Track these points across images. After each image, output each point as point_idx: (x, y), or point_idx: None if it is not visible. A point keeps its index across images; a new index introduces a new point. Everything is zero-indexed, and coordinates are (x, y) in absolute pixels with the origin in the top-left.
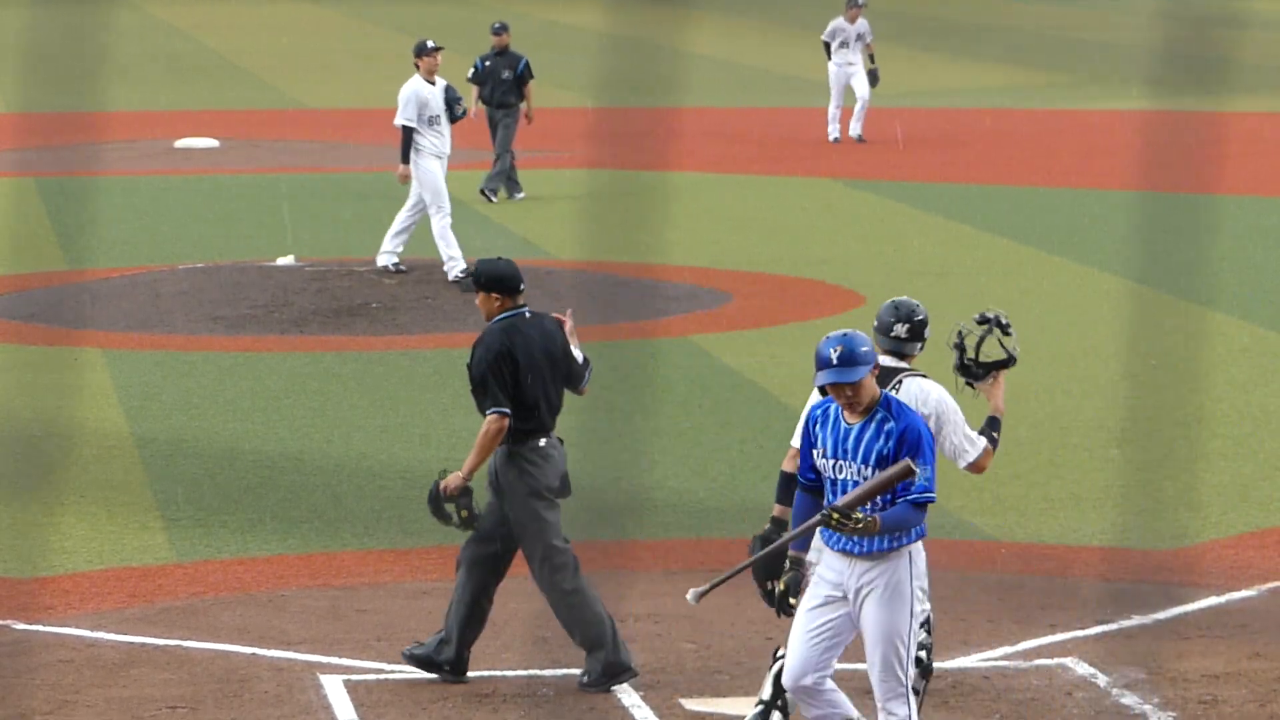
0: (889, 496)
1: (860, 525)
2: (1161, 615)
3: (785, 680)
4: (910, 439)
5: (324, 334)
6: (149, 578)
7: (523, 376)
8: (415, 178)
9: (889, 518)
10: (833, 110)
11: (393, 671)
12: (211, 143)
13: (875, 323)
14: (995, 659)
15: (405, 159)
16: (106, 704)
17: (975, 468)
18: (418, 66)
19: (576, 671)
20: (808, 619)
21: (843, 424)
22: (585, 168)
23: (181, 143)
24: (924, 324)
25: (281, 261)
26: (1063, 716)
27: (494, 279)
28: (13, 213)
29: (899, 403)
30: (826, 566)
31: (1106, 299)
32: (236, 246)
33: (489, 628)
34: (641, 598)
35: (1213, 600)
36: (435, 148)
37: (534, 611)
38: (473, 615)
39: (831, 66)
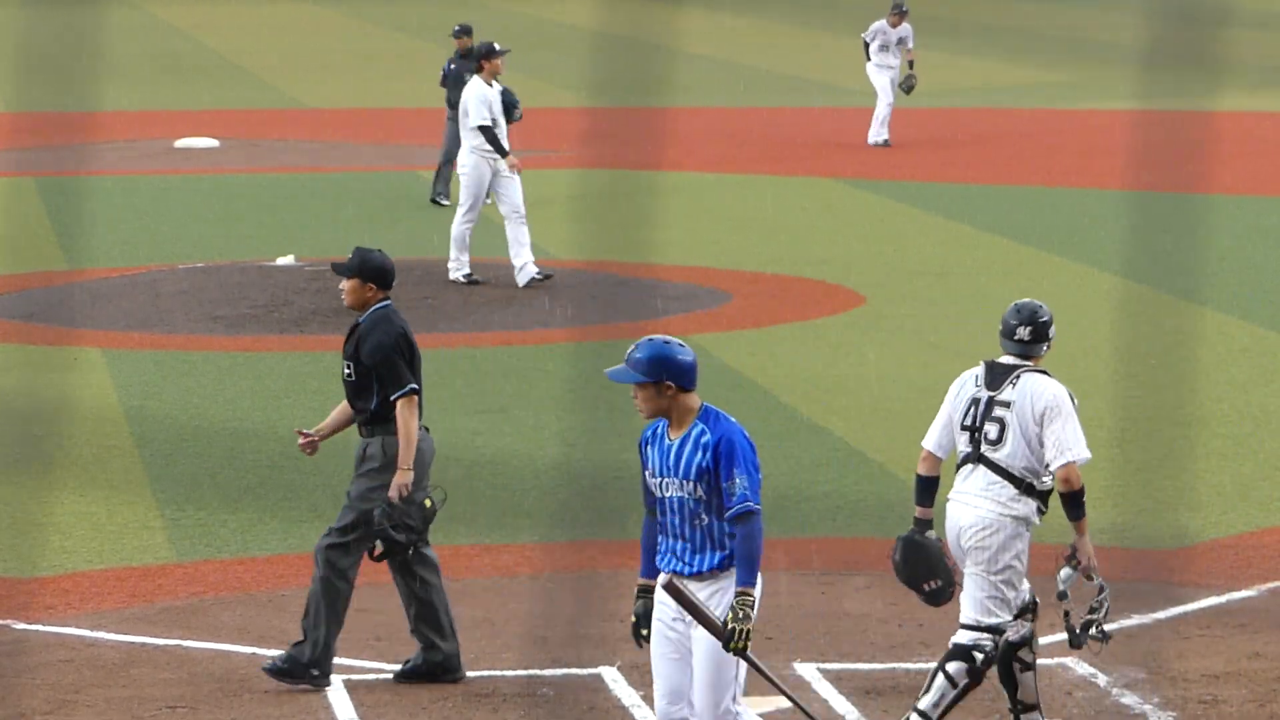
0: (729, 528)
1: (746, 620)
2: (1161, 615)
3: (657, 706)
4: (724, 450)
5: (324, 334)
6: (149, 577)
7: (416, 361)
8: (462, 173)
9: (744, 567)
10: (881, 109)
11: (393, 671)
12: (211, 142)
13: (1000, 326)
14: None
15: (503, 152)
16: (106, 704)
17: (1067, 472)
18: (481, 69)
19: (579, 671)
20: (660, 644)
21: (665, 440)
22: (584, 168)
23: (181, 142)
24: (1047, 325)
25: (281, 261)
26: (1063, 716)
27: (378, 271)
28: (12, 212)
29: (718, 415)
30: (664, 590)
31: (1106, 299)
32: (236, 246)
33: (488, 627)
34: None
35: (1213, 600)
36: (491, 149)
37: (534, 612)
38: (426, 610)
39: (870, 68)
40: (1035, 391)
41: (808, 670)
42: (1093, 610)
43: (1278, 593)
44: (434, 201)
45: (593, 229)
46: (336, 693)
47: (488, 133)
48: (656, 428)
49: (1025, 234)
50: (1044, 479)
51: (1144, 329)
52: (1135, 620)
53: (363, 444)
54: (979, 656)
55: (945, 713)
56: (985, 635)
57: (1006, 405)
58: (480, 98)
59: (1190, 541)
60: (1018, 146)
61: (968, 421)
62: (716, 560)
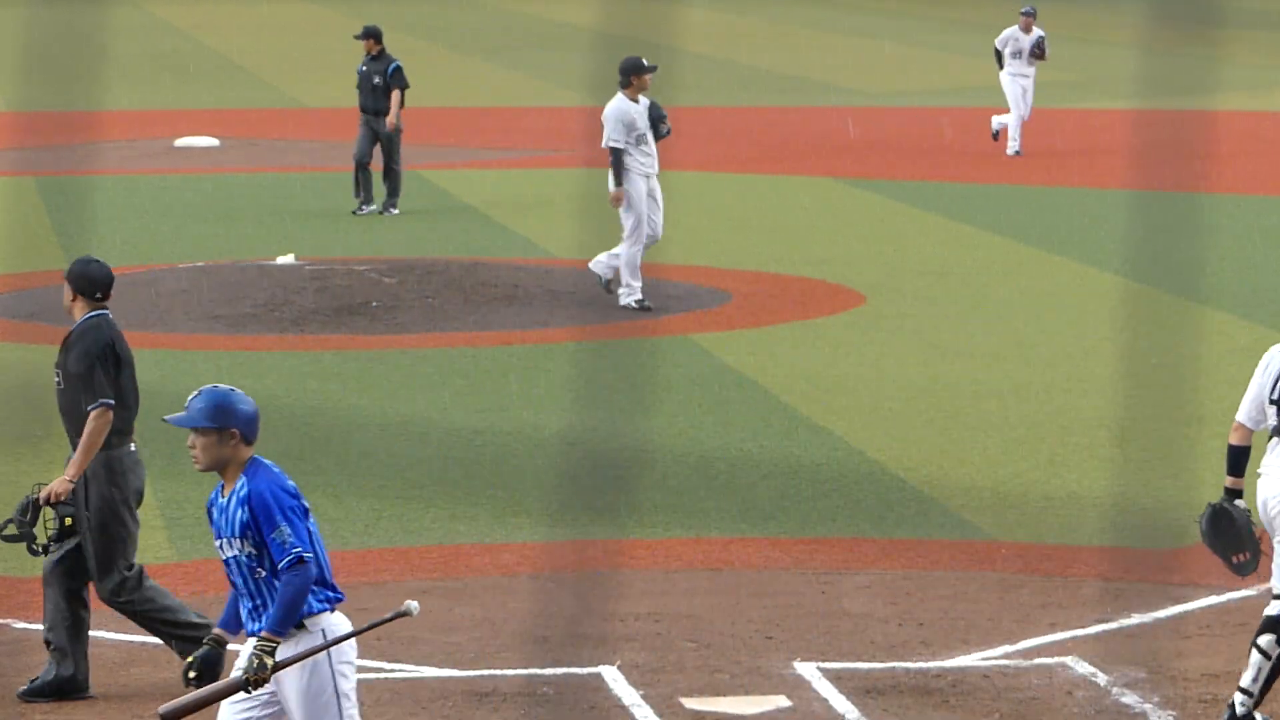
0: (270, 578)
1: (263, 669)
2: (1161, 614)
3: None
4: (258, 503)
5: (324, 333)
6: (149, 576)
7: (124, 373)
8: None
9: (282, 611)
10: (1013, 119)
11: (393, 670)
12: (211, 142)
13: None
14: (995, 658)
15: (618, 181)
16: (106, 703)
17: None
18: (629, 84)
19: (579, 671)
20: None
21: (221, 498)
22: (585, 167)
23: (181, 142)
24: None
25: (281, 261)
26: (1063, 715)
27: (78, 278)
28: (13, 212)
29: (258, 467)
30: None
31: (1106, 298)
32: (236, 246)
33: (488, 626)
34: (641, 597)
35: (1213, 599)
36: (642, 167)
37: (534, 611)
38: (77, 625)
39: (1004, 76)
40: (1270, 358)
41: (808, 670)
42: None
43: None
44: (355, 213)
45: (593, 229)
46: None
47: (615, 155)
48: (221, 486)
49: (1025, 234)
50: None
51: (1144, 328)
52: (1135, 620)
53: (70, 457)
54: None
55: (1267, 687)
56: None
57: None
58: (616, 115)
59: (1190, 541)
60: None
61: (1275, 396)
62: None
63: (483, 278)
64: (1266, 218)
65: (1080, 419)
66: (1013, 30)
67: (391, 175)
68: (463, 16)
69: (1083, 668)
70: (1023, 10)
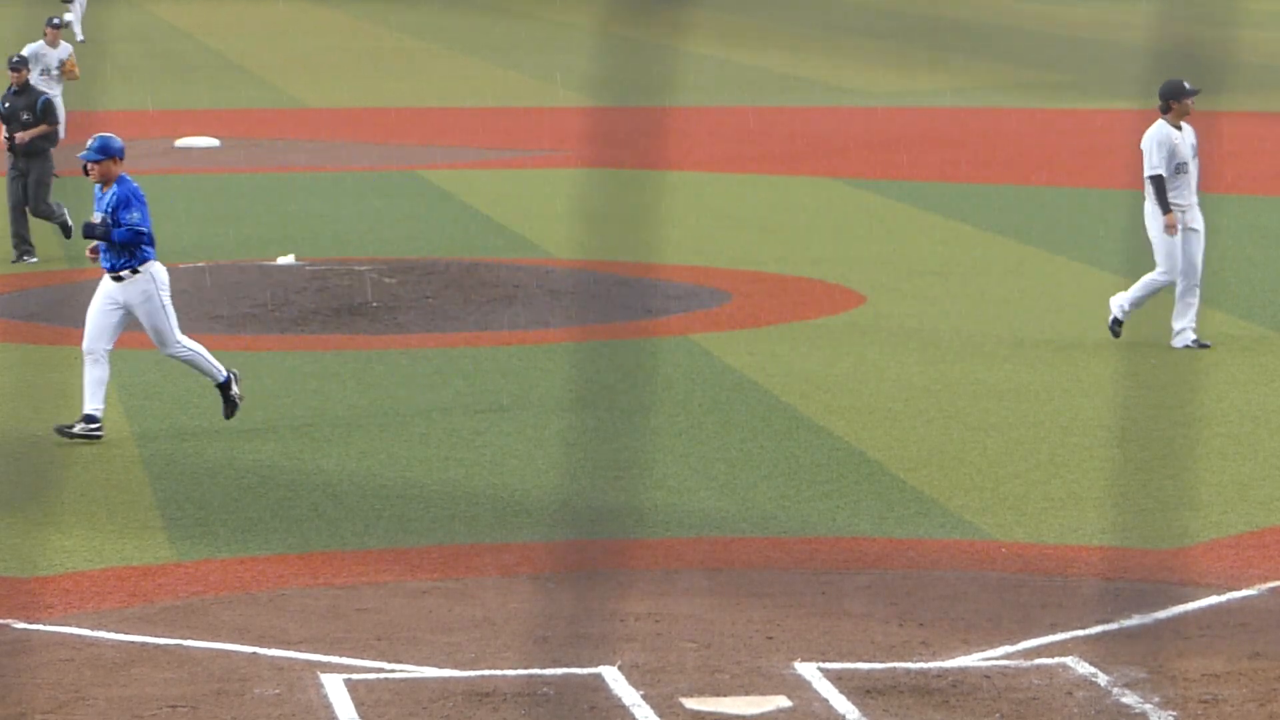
0: None
1: None
2: (1162, 615)
3: None
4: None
5: (324, 333)
6: (149, 577)
7: None
8: (1147, 228)
9: None
10: None
11: (393, 670)
12: (212, 142)
13: None
14: (996, 658)
15: (1166, 208)
16: (107, 703)
17: None
18: (1168, 109)
19: (579, 671)
20: None
21: None
22: (585, 167)
23: (182, 142)
24: None
25: (281, 261)
26: (1063, 716)
27: None
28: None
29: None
30: None
31: (1106, 297)
32: (236, 246)
33: (488, 626)
34: (641, 597)
35: (1213, 600)
36: (1177, 198)
37: (534, 611)
38: None
39: None
40: None
41: (808, 670)
42: None
43: (1278, 592)
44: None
45: (593, 229)
46: (337, 692)
47: (1157, 183)
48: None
49: (1025, 234)
50: None
51: (1144, 327)
52: (1135, 620)
53: None
54: None
55: None
56: None
57: None
58: (1156, 141)
59: (1190, 541)
60: (1018, 146)
61: None
62: None
63: (483, 278)
64: (1266, 218)
65: (1080, 419)
66: None
67: (41, 217)
68: (462, 16)
69: (1083, 668)
70: None
